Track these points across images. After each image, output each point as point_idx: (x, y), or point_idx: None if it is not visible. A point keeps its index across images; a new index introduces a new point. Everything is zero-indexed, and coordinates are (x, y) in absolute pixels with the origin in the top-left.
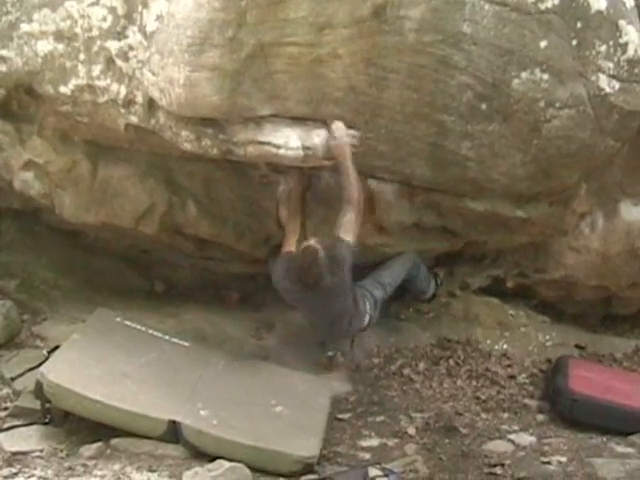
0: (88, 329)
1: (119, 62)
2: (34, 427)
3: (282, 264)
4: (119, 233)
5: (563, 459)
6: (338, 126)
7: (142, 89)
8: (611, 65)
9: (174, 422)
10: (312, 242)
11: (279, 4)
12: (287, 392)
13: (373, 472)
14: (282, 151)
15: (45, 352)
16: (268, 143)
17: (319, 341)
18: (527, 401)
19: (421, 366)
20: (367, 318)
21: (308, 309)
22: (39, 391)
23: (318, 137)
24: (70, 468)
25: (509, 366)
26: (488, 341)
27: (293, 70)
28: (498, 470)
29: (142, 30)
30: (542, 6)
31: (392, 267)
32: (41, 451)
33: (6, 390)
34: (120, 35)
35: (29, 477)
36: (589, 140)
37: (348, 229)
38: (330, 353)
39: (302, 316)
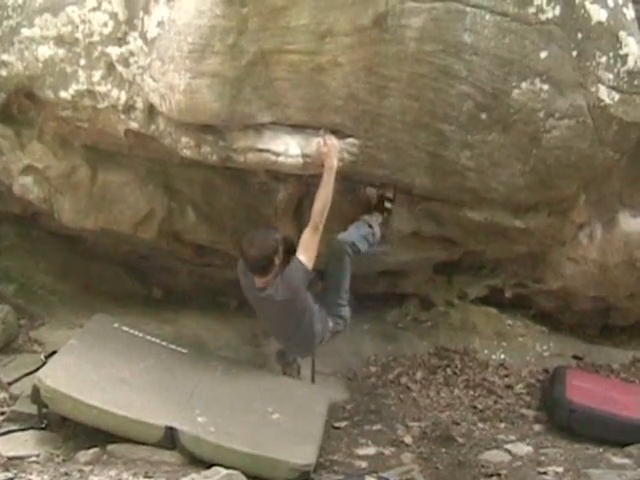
0: (86, 334)
1: (120, 68)
2: (31, 432)
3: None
4: (118, 239)
5: (560, 469)
6: (330, 137)
7: (142, 95)
8: (611, 76)
9: (171, 428)
10: (262, 227)
11: (280, 12)
12: (284, 399)
13: None
14: (281, 158)
15: (42, 357)
16: (268, 150)
17: (279, 351)
18: (524, 411)
19: (418, 375)
20: (327, 335)
21: (265, 317)
22: (36, 396)
23: (318, 145)
24: (66, 473)
25: (506, 376)
26: (486, 351)
27: (293, 78)
28: None
29: (143, 36)
30: (543, 17)
31: (337, 272)
32: (37, 456)
33: (3, 395)
34: (121, 41)
35: None
36: (588, 151)
37: (302, 248)
38: (288, 359)
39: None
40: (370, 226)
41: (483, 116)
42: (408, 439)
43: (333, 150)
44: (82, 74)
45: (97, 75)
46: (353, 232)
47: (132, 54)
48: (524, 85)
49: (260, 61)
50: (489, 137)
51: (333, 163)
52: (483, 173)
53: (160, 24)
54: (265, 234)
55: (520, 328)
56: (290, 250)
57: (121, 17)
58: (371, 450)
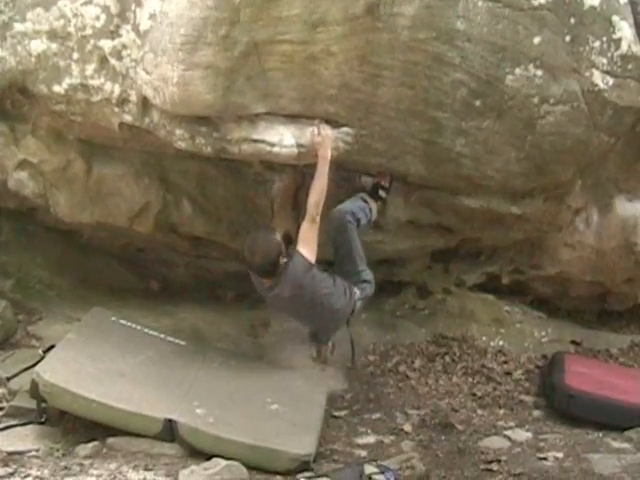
0: (83, 328)
1: (113, 61)
2: (30, 427)
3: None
4: (114, 232)
5: (559, 455)
6: (324, 126)
7: (136, 88)
8: (605, 61)
9: (170, 421)
10: (251, 234)
11: (272, 2)
12: (283, 390)
13: (369, 469)
14: (276, 149)
15: (41, 352)
16: (262, 141)
17: (311, 332)
18: (523, 397)
19: (417, 363)
20: (359, 303)
21: (281, 311)
22: (35, 391)
23: (312, 134)
24: (66, 467)
25: (505, 362)
26: (484, 338)
27: (287, 68)
28: (494, 466)
29: (135, 29)
30: (535, 2)
31: (346, 243)
32: (37, 451)
33: (2, 390)
34: (114, 34)
35: (25, 477)
36: (583, 136)
37: (302, 241)
38: (322, 338)
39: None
40: (365, 201)
41: (477, 103)
42: (407, 427)
43: (327, 140)
44: (75, 68)
45: (90, 69)
46: (350, 204)
47: (125, 47)
48: (518, 71)
49: (253, 52)
50: (483, 124)
51: (327, 153)
52: (478, 160)
53: (152, 16)
54: (265, 239)
55: (518, 314)
56: (292, 243)
57: (113, 10)
58: (371, 439)
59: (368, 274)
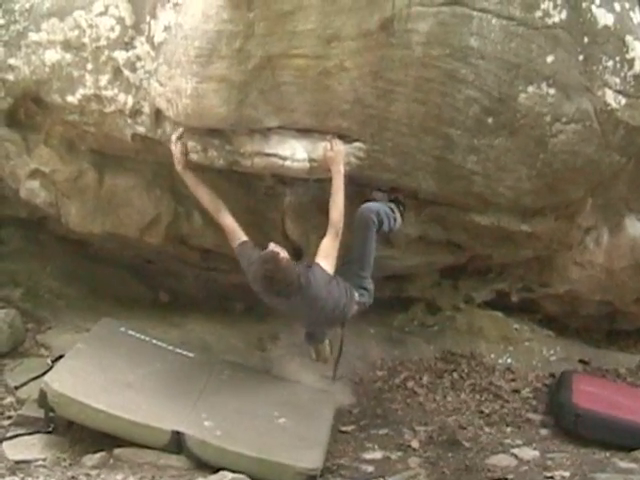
0: (92, 338)
1: (126, 72)
2: (37, 436)
3: (249, 264)
4: (124, 243)
5: (566, 474)
6: (337, 142)
7: (149, 99)
8: (618, 80)
9: (177, 432)
10: (270, 247)
11: (287, 16)
12: (290, 404)
13: None
14: (288, 163)
15: (49, 361)
16: (274, 155)
17: (308, 332)
18: (531, 415)
19: (425, 379)
20: (355, 308)
21: (290, 314)
22: (43, 400)
23: (324, 150)
24: (73, 477)
25: (513, 380)
26: (492, 355)
27: (300, 82)
28: None
29: (150, 41)
30: (549, 21)
31: (363, 243)
32: (44, 460)
33: (10, 399)
34: (128, 45)
35: None
36: (595, 155)
37: (324, 254)
38: (319, 338)
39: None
40: (392, 209)
41: (489, 120)
42: (415, 443)
43: (339, 155)
44: (89, 78)
45: (104, 79)
46: (378, 205)
47: (139, 59)
48: (530, 89)
49: (267, 65)
50: (495, 141)
51: (340, 168)
52: (489, 177)
53: (167, 29)
54: (278, 263)
55: (527, 332)
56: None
57: (128, 22)
58: (378, 454)
59: (370, 283)
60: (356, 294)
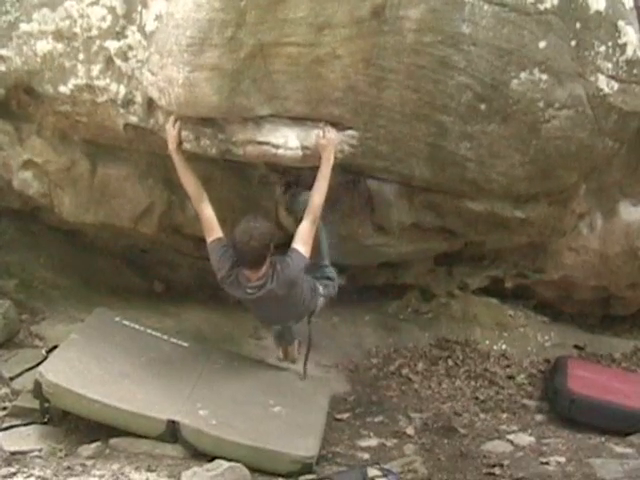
0: (87, 329)
1: (118, 62)
2: (33, 427)
3: (219, 255)
4: (118, 233)
5: (562, 459)
6: (330, 129)
7: (141, 89)
8: (610, 66)
9: (173, 422)
10: (250, 217)
11: (278, 4)
12: (286, 392)
13: (372, 472)
14: (281, 151)
15: (44, 352)
16: (267, 143)
17: (276, 334)
18: (526, 401)
19: (420, 366)
20: (321, 300)
21: (261, 310)
22: (38, 391)
23: (317, 137)
24: (69, 468)
25: (508, 366)
26: (487, 341)
27: (292, 70)
28: (497, 470)
29: (141, 30)
30: (541, 7)
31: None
32: (40, 451)
33: (5, 390)
34: (119, 35)
35: (28, 477)
36: (588, 140)
37: (301, 239)
38: (288, 338)
39: (253, 314)
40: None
41: (482, 107)
42: (410, 430)
43: (331, 143)
44: (81, 68)
45: (96, 69)
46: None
47: (131, 48)
48: (523, 75)
49: (259, 54)
50: (488, 128)
51: (331, 156)
52: (483, 164)
53: (158, 18)
54: (259, 223)
55: (521, 318)
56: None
57: (119, 11)
58: (373, 442)
59: (332, 272)
60: (320, 288)
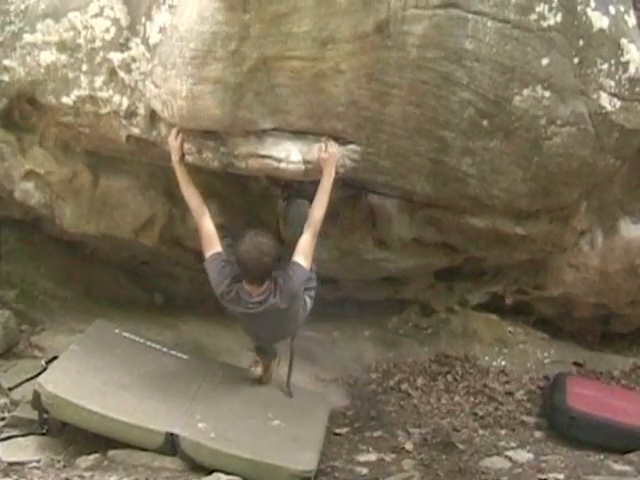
0: (86, 340)
1: (122, 74)
2: (31, 437)
3: (218, 270)
4: (119, 244)
5: (560, 476)
6: (332, 143)
7: (144, 101)
8: (612, 83)
9: (172, 434)
10: (254, 232)
11: (282, 18)
12: (285, 405)
13: None
14: (283, 165)
15: (43, 362)
16: (269, 157)
17: (258, 349)
18: (525, 418)
19: (419, 381)
20: (306, 314)
21: (257, 326)
22: (37, 401)
23: (319, 151)
24: (67, 479)
25: (507, 383)
26: (486, 357)
27: (295, 84)
28: None
29: (145, 42)
30: (544, 24)
31: None
32: (38, 461)
33: (4, 400)
34: (123, 47)
35: None
36: (590, 158)
37: (302, 252)
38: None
39: (243, 328)
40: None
41: (484, 123)
42: (409, 445)
43: (333, 157)
44: (84, 80)
45: (99, 81)
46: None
47: (134, 60)
48: (525, 92)
49: (262, 67)
50: (490, 144)
51: (332, 170)
52: (484, 180)
53: (162, 30)
54: (265, 238)
55: (521, 335)
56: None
57: (123, 23)
58: (372, 456)
59: (314, 280)
60: (308, 300)
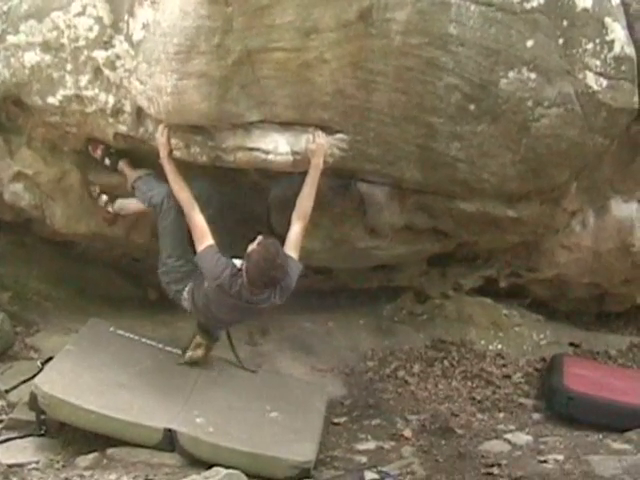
0: (81, 339)
1: (106, 71)
2: (30, 439)
3: (214, 261)
4: (110, 242)
5: (560, 457)
6: (320, 134)
7: (130, 98)
8: (598, 63)
9: (170, 430)
10: (265, 236)
11: (265, 10)
12: (282, 397)
13: (370, 475)
14: (271, 156)
15: (39, 363)
16: (257, 149)
17: (204, 329)
18: (523, 400)
19: (416, 368)
20: None
21: (230, 314)
22: (34, 403)
23: (307, 142)
24: (66, 479)
25: (504, 366)
26: (482, 341)
27: (280, 75)
28: (495, 470)
29: (129, 39)
30: (528, 5)
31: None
32: (37, 462)
33: (1, 402)
34: (107, 44)
35: None
36: (578, 138)
37: (293, 244)
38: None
39: (207, 311)
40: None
41: (471, 107)
42: (407, 432)
43: (321, 149)
44: (69, 79)
45: (84, 80)
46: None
47: (118, 57)
48: (511, 75)
49: (246, 60)
50: (478, 128)
51: (320, 161)
52: (473, 164)
53: (145, 26)
54: (279, 250)
55: (516, 317)
56: None
57: (106, 21)
58: (371, 445)
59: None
60: None
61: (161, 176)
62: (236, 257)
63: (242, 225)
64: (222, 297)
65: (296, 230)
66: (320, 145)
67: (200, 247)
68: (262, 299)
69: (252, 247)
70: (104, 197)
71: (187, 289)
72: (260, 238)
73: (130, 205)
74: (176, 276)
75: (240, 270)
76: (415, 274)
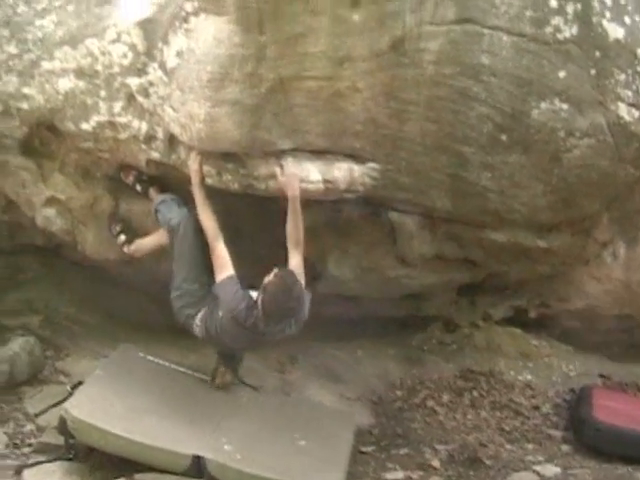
0: (111, 365)
1: (140, 98)
2: (58, 463)
3: (234, 292)
4: (141, 269)
5: None
6: (287, 166)
7: (163, 125)
8: (630, 94)
9: (198, 457)
10: (281, 268)
11: (298, 38)
12: (310, 426)
13: None
14: (303, 185)
15: (69, 388)
16: None
17: (225, 357)
18: (551, 431)
19: (445, 398)
20: None
21: (244, 343)
22: (63, 427)
23: (339, 170)
24: None
25: (533, 396)
26: (511, 372)
27: (313, 104)
28: None
29: (162, 66)
30: (560, 36)
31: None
32: None
33: (30, 426)
34: (140, 72)
35: None
36: (609, 169)
37: (300, 275)
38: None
39: (215, 338)
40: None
41: (503, 137)
42: (436, 462)
43: (292, 179)
44: (103, 105)
45: (118, 106)
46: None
47: (152, 84)
48: (543, 105)
49: (279, 88)
50: (510, 158)
51: (296, 192)
52: (504, 194)
53: (179, 54)
54: (297, 283)
55: (545, 348)
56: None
57: (140, 48)
58: (399, 474)
59: None
60: None
61: (188, 202)
62: (252, 287)
63: (270, 251)
64: (236, 329)
65: (297, 260)
66: (291, 175)
67: (220, 277)
68: (278, 330)
69: (268, 279)
70: (122, 237)
71: (200, 315)
72: (276, 270)
73: (146, 246)
74: (190, 300)
75: (256, 302)
76: (445, 303)
